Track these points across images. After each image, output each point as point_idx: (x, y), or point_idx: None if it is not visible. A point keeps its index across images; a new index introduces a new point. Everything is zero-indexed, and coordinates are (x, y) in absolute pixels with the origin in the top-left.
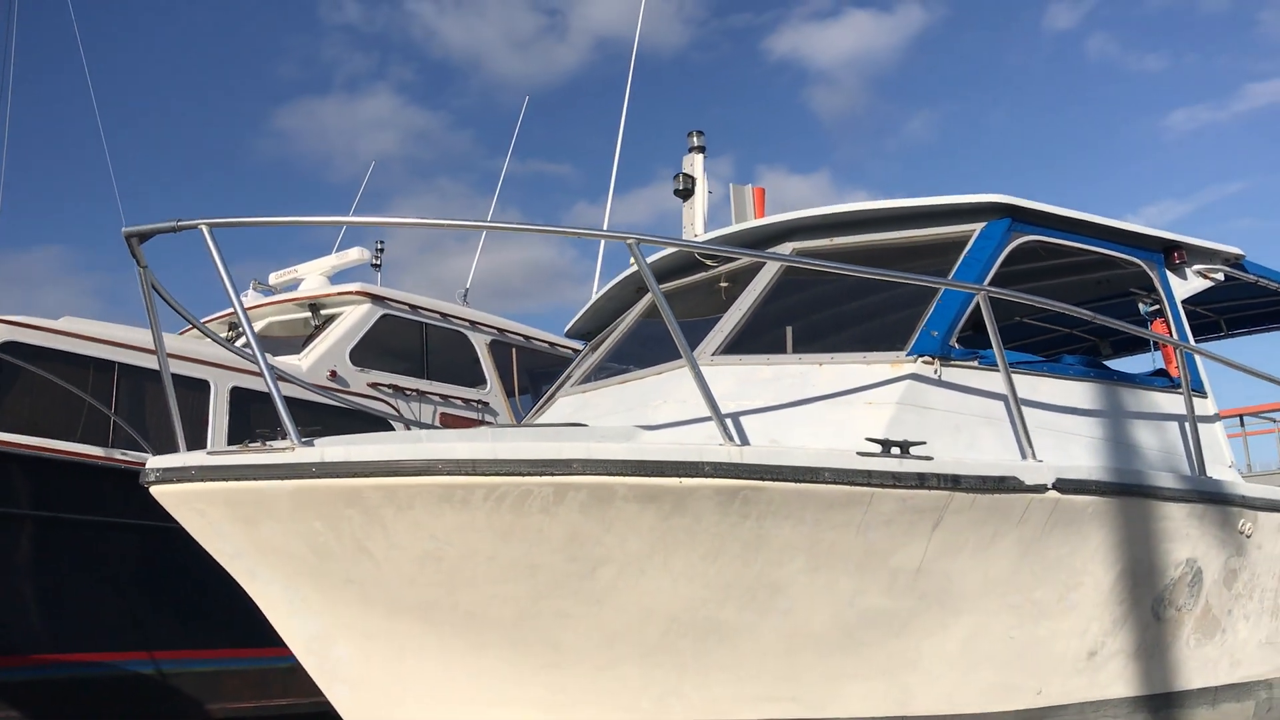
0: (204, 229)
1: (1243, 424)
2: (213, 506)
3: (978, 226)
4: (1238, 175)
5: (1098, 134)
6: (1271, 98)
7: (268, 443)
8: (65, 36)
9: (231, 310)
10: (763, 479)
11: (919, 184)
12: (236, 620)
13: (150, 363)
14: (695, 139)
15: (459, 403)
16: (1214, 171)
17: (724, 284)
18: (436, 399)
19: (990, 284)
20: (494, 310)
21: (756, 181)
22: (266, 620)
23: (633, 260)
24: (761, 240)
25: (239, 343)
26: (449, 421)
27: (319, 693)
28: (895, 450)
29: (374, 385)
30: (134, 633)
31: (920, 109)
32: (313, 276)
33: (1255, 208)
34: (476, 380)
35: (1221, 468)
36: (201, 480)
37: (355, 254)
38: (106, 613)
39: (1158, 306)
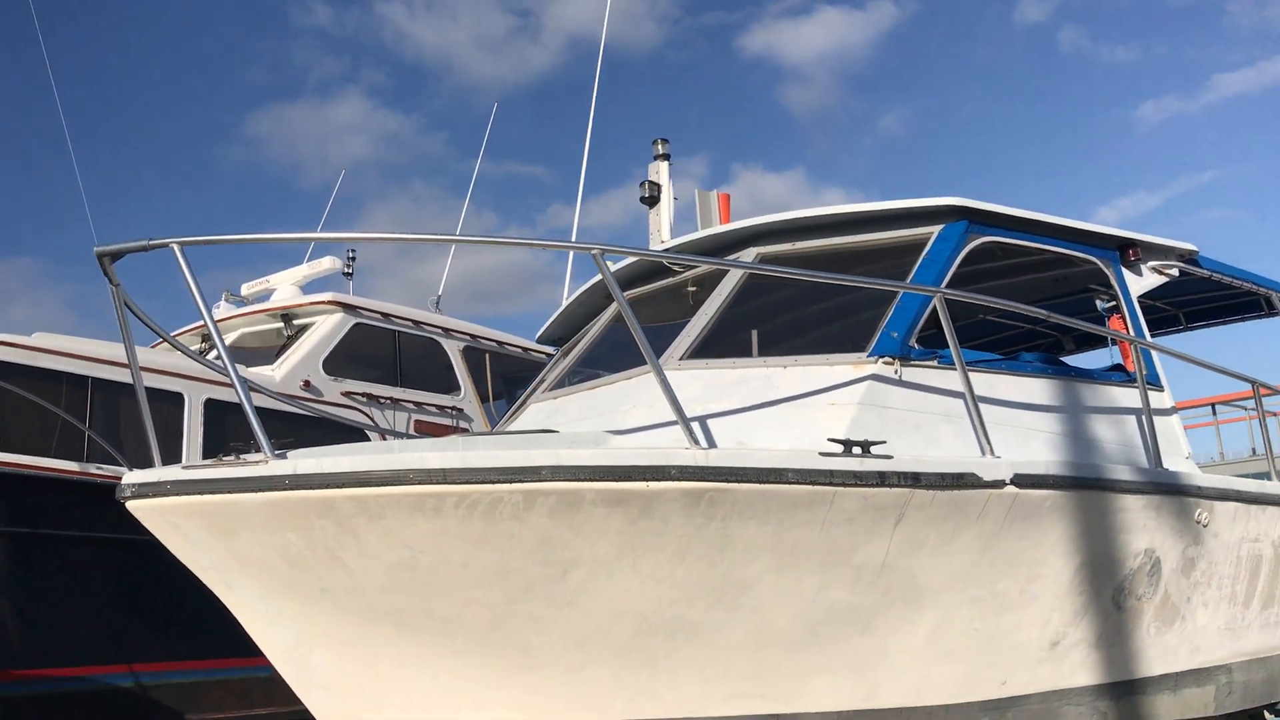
0: (175, 248)
1: (1214, 412)
2: (188, 520)
3: (935, 229)
4: (1208, 165)
5: (1070, 127)
6: (1240, 87)
7: (241, 456)
8: (29, 43)
9: (201, 324)
10: (727, 480)
11: (893, 180)
12: (216, 631)
13: (124, 376)
14: (660, 147)
15: (433, 410)
16: (1185, 162)
17: (692, 288)
18: (411, 406)
19: (948, 285)
20: (471, 314)
21: (731, 180)
22: (245, 630)
23: (612, 265)
24: (726, 246)
25: (210, 355)
26: (424, 429)
27: (299, 701)
28: (856, 450)
29: (348, 394)
30: (113, 646)
31: (893, 105)
32: (284, 287)
33: (1226, 197)
34: (450, 387)
35: (1178, 459)
36: (176, 495)
37: (327, 263)
38: (85, 627)
39: (1114, 303)
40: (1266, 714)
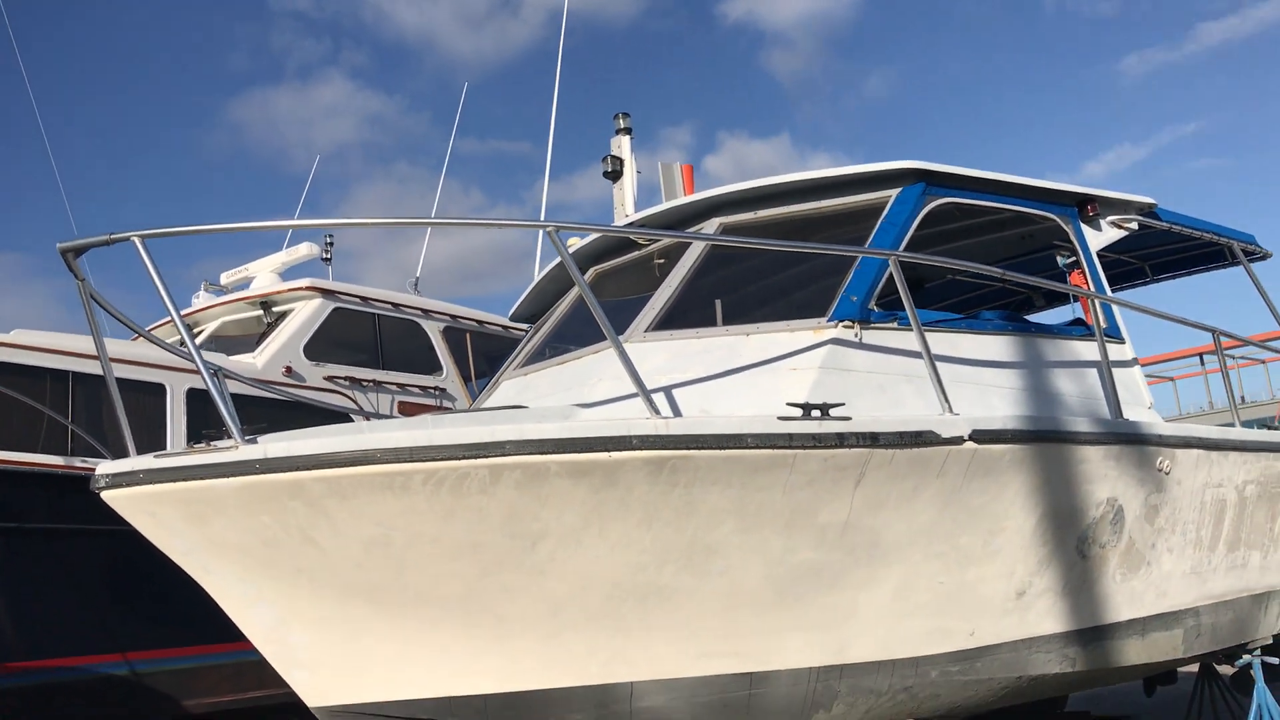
0: (136, 241)
1: (1203, 362)
2: (163, 507)
3: (893, 192)
4: (1193, 115)
5: (1054, 83)
6: (1224, 35)
7: (212, 443)
8: None
9: (184, 313)
10: (688, 448)
11: (879, 143)
12: (206, 617)
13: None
14: (621, 121)
15: (416, 391)
16: (1169, 113)
17: (659, 261)
18: (394, 388)
19: (907, 246)
20: (459, 295)
21: (718, 148)
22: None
23: (575, 243)
24: (689, 217)
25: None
26: (408, 410)
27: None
28: (815, 413)
29: (330, 379)
30: (105, 635)
31: (877, 66)
32: (263, 274)
33: (1211, 147)
34: (432, 368)
35: (1140, 409)
36: (150, 483)
37: (305, 249)
38: (77, 618)
39: (1074, 258)
40: (1245, 656)
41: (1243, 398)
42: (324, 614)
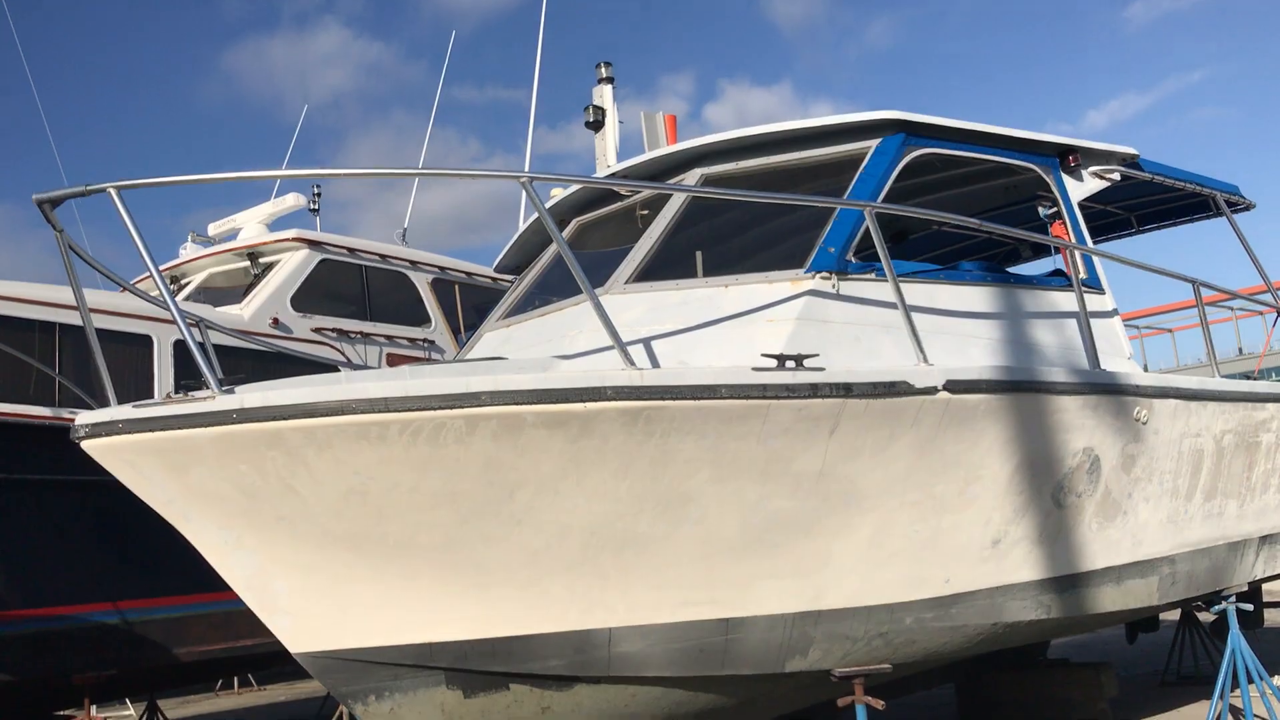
0: (112, 192)
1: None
2: (142, 457)
3: (873, 143)
4: (1198, 64)
5: (1058, 29)
6: None
7: (190, 393)
8: None
9: (171, 264)
10: (662, 399)
11: (881, 91)
12: (198, 566)
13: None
14: (604, 70)
15: (404, 343)
16: (1175, 62)
17: (642, 212)
18: (381, 340)
19: (887, 197)
20: (457, 246)
21: (719, 96)
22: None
23: (559, 193)
24: (670, 168)
25: (179, 295)
26: (396, 361)
27: None
28: (790, 364)
29: (318, 330)
30: (97, 585)
31: (880, 13)
32: (251, 225)
33: (1216, 95)
34: (421, 319)
35: (1119, 360)
36: (128, 433)
37: (291, 200)
38: (68, 567)
39: (1056, 209)
40: (1221, 602)
41: (1240, 349)
42: (305, 561)
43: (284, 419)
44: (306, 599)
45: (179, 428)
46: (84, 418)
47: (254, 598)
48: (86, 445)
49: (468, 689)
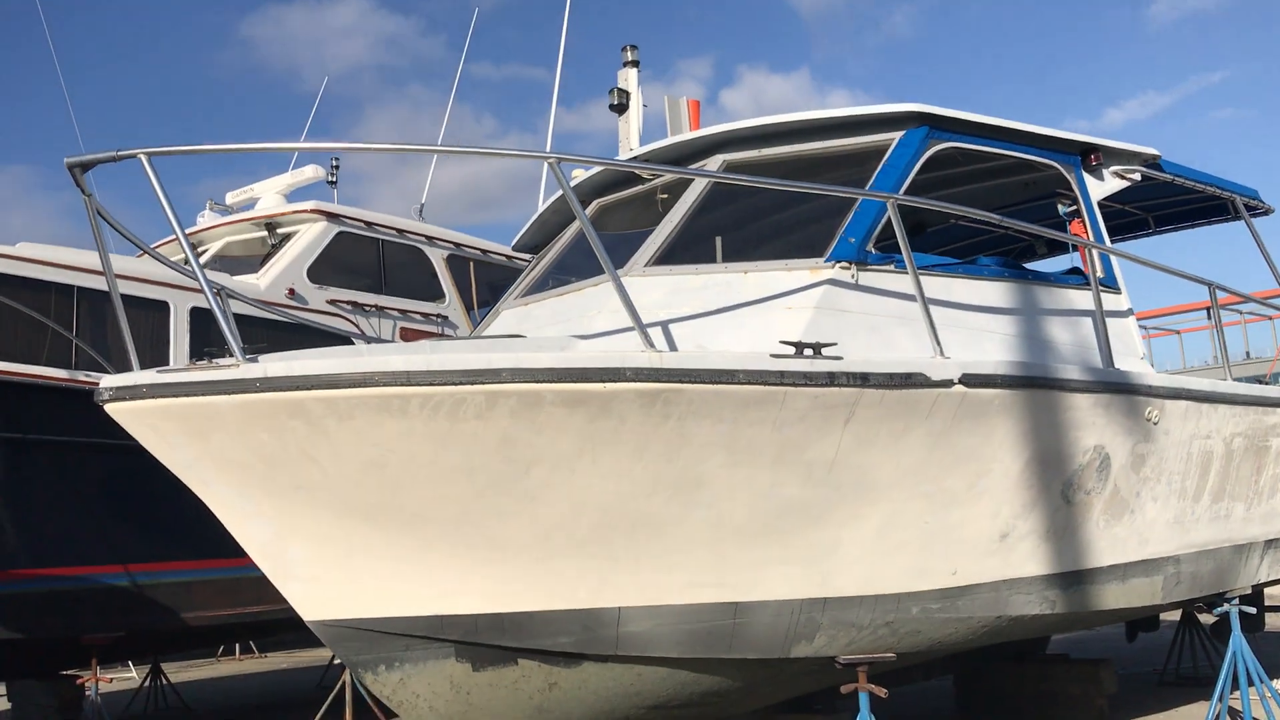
0: (143, 158)
1: (1209, 317)
2: (165, 421)
3: (896, 135)
4: (1220, 64)
5: (1080, 25)
6: None
7: (214, 360)
8: None
9: (189, 231)
10: (681, 381)
11: (899, 83)
12: (207, 532)
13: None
14: (629, 54)
15: (418, 317)
16: (1196, 62)
17: (662, 196)
18: (396, 314)
19: (909, 190)
20: (472, 223)
21: (736, 82)
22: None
23: (580, 174)
24: (693, 153)
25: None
26: (409, 336)
27: (286, 601)
28: (807, 352)
29: (333, 302)
30: (108, 547)
31: (901, 3)
32: (269, 195)
33: (1236, 98)
34: (435, 295)
35: (1132, 359)
36: (152, 397)
37: (310, 172)
38: (80, 529)
39: (1075, 207)
40: (1224, 604)
41: (1247, 353)
42: (321, 530)
43: (306, 389)
44: (321, 567)
45: (203, 394)
46: (108, 381)
47: (269, 565)
48: (110, 408)
49: (477, 662)
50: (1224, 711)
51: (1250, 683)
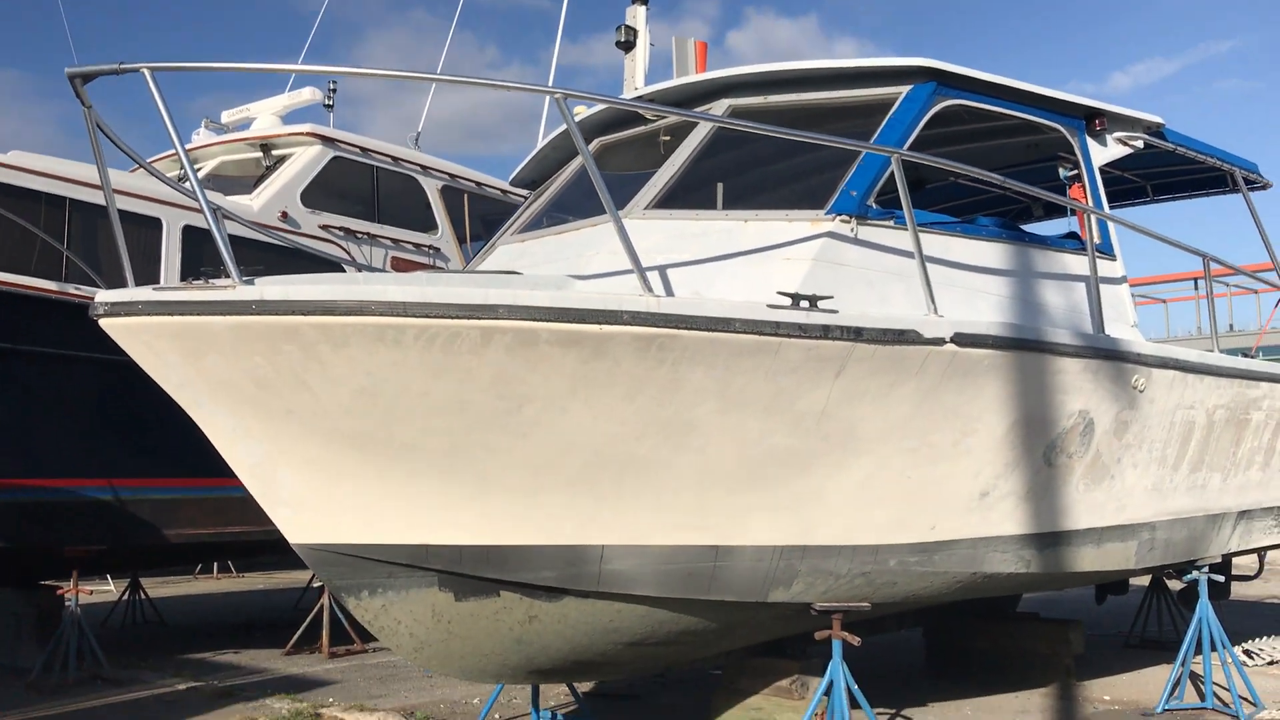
0: (146, 73)
1: (1196, 287)
2: (159, 339)
3: (904, 89)
4: (1229, 33)
5: None
6: None
7: (210, 280)
8: None
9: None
10: (677, 327)
11: (908, 34)
12: (193, 451)
13: (102, 199)
14: None
15: (410, 247)
16: (1205, 29)
17: (665, 138)
18: (388, 243)
19: (912, 146)
20: (465, 153)
21: (742, 24)
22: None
23: (582, 111)
24: (698, 96)
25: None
26: (401, 265)
27: (269, 521)
28: (804, 304)
29: (325, 227)
30: (93, 460)
31: None
32: (265, 116)
33: (1243, 68)
34: (428, 225)
35: (1124, 326)
36: (148, 314)
37: (307, 94)
38: (66, 441)
39: (1076, 171)
40: (1193, 572)
41: (1230, 325)
42: (311, 455)
43: (302, 314)
44: (309, 492)
45: (198, 314)
46: (104, 296)
47: (258, 487)
48: (105, 323)
49: (459, 592)
50: (1185, 675)
51: (1214, 648)
